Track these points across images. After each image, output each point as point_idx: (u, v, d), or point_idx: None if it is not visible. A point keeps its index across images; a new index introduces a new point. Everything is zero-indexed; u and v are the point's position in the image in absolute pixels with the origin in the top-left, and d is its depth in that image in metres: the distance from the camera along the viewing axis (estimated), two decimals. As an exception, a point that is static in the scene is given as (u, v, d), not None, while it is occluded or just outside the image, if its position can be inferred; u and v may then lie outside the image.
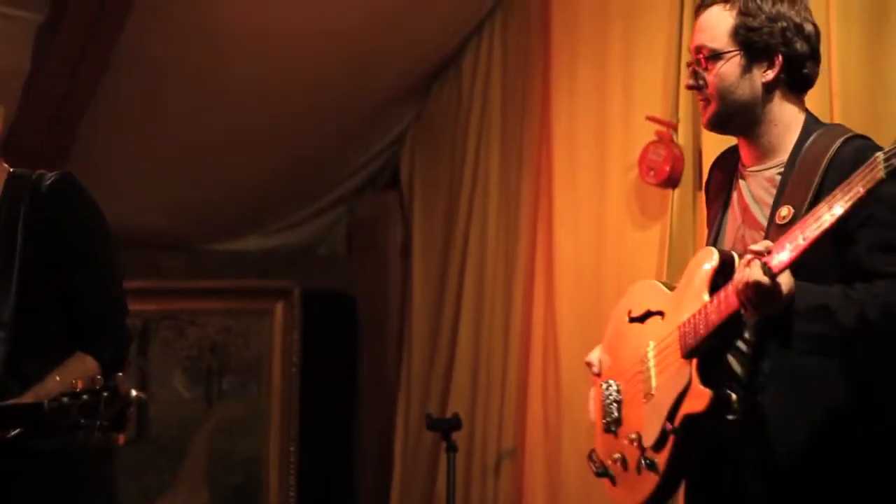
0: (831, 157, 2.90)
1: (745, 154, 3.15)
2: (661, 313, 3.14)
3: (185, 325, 6.34)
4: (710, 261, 2.99)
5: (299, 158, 6.27)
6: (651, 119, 4.94)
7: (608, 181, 5.31)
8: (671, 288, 3.20)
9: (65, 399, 2.91)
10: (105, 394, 2.92)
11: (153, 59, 5.40)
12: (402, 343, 6.40)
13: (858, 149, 2.88)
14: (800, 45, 3.04)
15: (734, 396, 2.89)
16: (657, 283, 3.30)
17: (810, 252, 2.72)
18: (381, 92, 6.20)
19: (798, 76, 3.07)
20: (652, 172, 4.95)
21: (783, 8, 3.04)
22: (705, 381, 2.91)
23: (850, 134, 2.99)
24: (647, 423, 3.08)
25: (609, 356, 3.36)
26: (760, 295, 2.74)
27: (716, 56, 3.04)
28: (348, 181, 6.68)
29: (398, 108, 6.40)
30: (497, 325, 5.85)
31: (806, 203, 2.88)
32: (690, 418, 2.94)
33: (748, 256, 2.79)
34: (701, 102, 3.13)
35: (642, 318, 3.21)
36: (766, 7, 3.03)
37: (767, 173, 3.08)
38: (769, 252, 2.75)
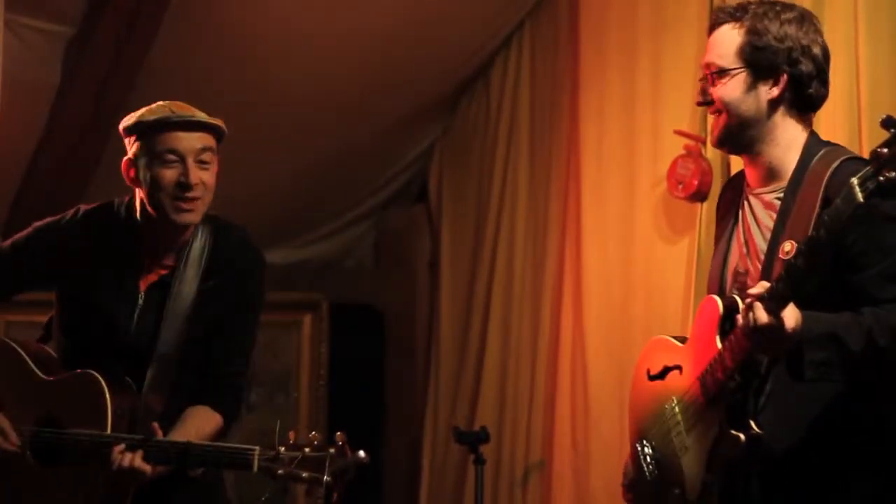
0: (826, 185, 2.92)
1: (749, 174, 3.17)
2: (678, 367, 3.16)
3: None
4: (715, 310, 3.03)
5: (327, 171, 6.29)
6: (679, 133, 4.93)
7: (636, 195, 5.30)
8: (682, 341, 3.23)
9: (282, 450, 3.14)
10: (332, 451, 3.14)
11: (180, 73, 5.43)
12: (429, 356, 6.40)
13: (849, 174, 2.89)
14: (805, 66, 3.06)
15: (763, 434, 2.90)
16: (668, 337, 3.31)
17: (811, 281, 2.74)
18: (409, 105, 6.21)
19: (803, 96, 3.09)
20: (680, 186, 4.94)
21: (790, 29, 3.06)
22: (734, 424, 2.93)
23: (845, 157, 3.00)
24: (688, 476, 3.08)
25: (635, 417, 3.37)
26: (768, 336, 2.77)
27: (722, 73, 3.08)
28: (376, 194, 6.70)
29: (426, 121, 6.41)
30: (525, 338, 5.84)
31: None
32: (729, 464, 2.96)
33: (748, 301, 2.81)
34: (712, 117, 3.16)
35: (662, 375, 3.23)
36: (774, 28, 3.05)
37: (767, 196, 3.09)
38: (768, 293, 2.76)
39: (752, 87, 3.06)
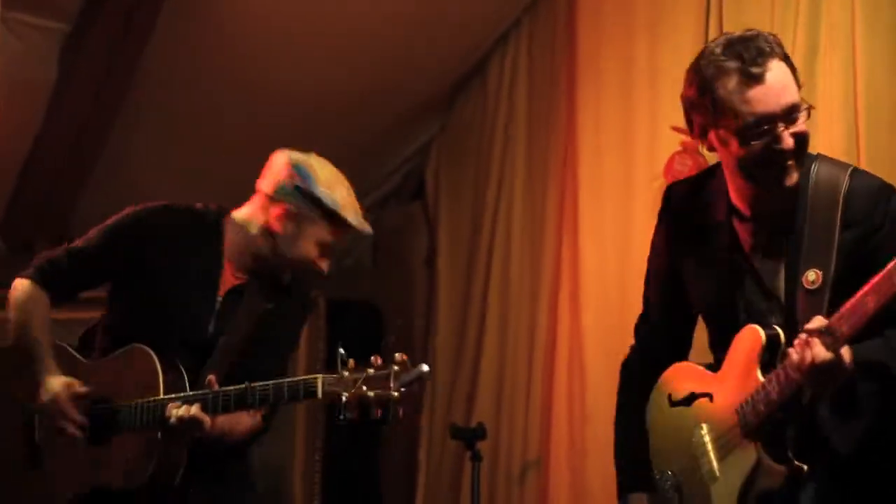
0: (845, 206, 2.86)
1: (753, 204, 3.03)
2: (708, 395, 3.09)
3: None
4: (757, 340, 2.95)
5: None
6: (677, 129, 4.93)
7: (634, 191, 5.31)
8: (709, 367, 3.14)
9: (345, 374, 3.20)
10: (395, 367, 3.18)
11: (180, 67, 5.42)
12: (426, 353, 6.40)
13: (872, 191, 2.82)
14: None
15: (805, 468, 2.87)
16: (695, 364, 3.23)
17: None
18: (406, 102, 6.21)
19: None
20: (677, 183, 4.94)
21: None
22: (775, 457, 2.90)
23: (849, 170, 2.95)
24: None
25: (652, 441, 3.28)
26: (827, 373, 2.73)
27: (799, 108, 2.92)
28: (373, 192, 6.69)
29: (423, 119, 6.41)
30: (522, 335, 5.84)
31: (832, 264, 2.85)
32: (767, 495, 2.92)
33: (803, 336, 2.76)
34: (788, 163, 2.92)
35: (688, 402, 3.15)
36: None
37: (778, 220, 3.00)
38: (827, 329, 2.71)
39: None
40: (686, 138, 4.95)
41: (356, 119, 6.08)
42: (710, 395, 3.08)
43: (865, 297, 2.67)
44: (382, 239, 6.86)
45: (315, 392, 3.23)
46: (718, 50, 2.96)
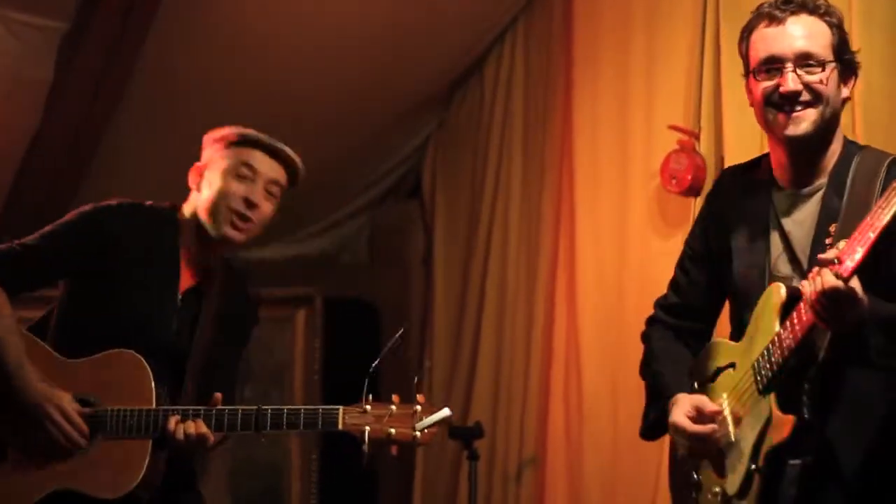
0: (880, 191, 2.88)
1: (790, 172, 3.09)
2: (732, 365, 3.09)
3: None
4: (777, 296, 2.96)
5: (321, 167, 6.25)
6: (673, 128, 4.94)
7: (630, 190, 5.31)
8: (734, 339, 3.15)
9: (368, 408, 3.30)
10: (418, 406, 3.26)
11: (176, 68, 5.42)
12: (423, 351, 6.40)
13: None
14: (857, 71, 3.09)
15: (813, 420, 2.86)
16: (719, 339, 3.23)
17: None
18: (402, 100, 6.21)
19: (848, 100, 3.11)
20: (674, 181, 4.95)
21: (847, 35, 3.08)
22: (785, 409, 2.88)
23: (889, 159, 2.99)
24: (729, 471, 3.02)
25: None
26: (838, 301, 2.72)
27: (822, 64, 3.00)
28: (370, 190, 6.70)
29: (420, 117, 6.41)
30: (519, 333, 5.85)
31: None
32: (775, 450, 2.90)
33: (815, 268, 2.77)
34: (796, 112, 3.00)
35: (713, 378, 3.15)
36: (844, 31, 3.06)
37: (814, 198, 3.04)
38: (839, 259, 2.72)
39: (838, 83, 3.03)
40: (682, 137, 4.95)
41: (353, 118, 6.08)
42: (734, 364, 3.08)
43: (864, 229, 2.70)
44: (380, 237, 6.88)
45: (336, 422, 3.26)
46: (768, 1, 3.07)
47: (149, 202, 3.65)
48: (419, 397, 3.26)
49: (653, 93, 5.21)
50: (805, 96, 2.99)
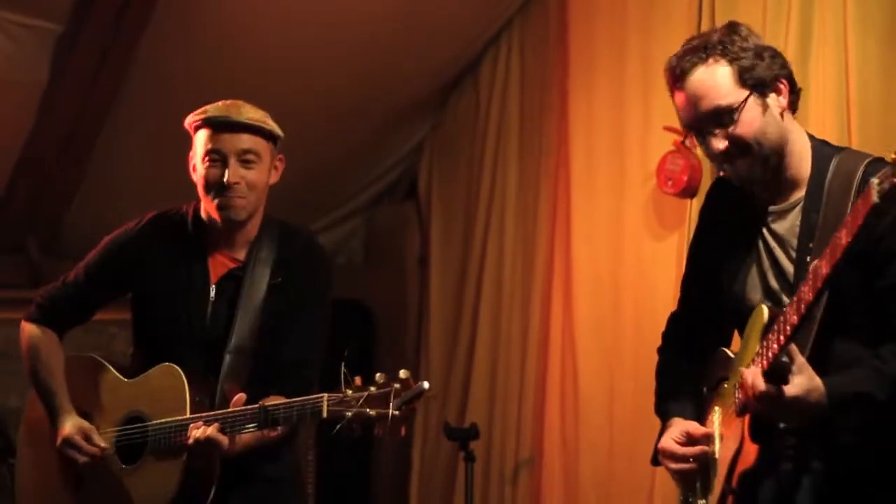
0: (855, 195, 2.81)
1: (767, 193, 3.02)
2: (726, 378, 3.08)
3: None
4: (760, 319, 2.92)
5: (317, 168, 6.28)
6: (669, 129, 4.93)
7: (626, 191, 5.31)
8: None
9: (348, 392, 3.16)
10: (396, 386, 3.14)
11: (169, 69, 5.42)
12: (419, 353, 6.40)
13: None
14: (785, 65, 3.00)
15: (789, 442, 2.86)
16: (726, 350, 3.17)
17: (837, 304, 2.71)
18: (398, 102, 6.20)
19: (795, 94, 3.01)
20: (670, 182, 4.95)
21: (755, 39, 2.98)
22: (756, 435, 2.87)
23: (867, 161, 2.91)
24: (711, 490, 3.02)
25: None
26: (769, 405, 2.72)
27: (733, 110, 2.91)
28: (366, 191, 6.69)
29: (416, 119, 6.41)
30: (515, 334, 5.84)
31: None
32: (744, 475, 2.90)
33: (747, 368, 2.78)
34: (728, 166, 2.96)
35: (716, 387, 3.14)
36: (747, 45, 2.95)
37: (793, 212, 2.99)
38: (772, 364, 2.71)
39: (765, 106, 2.93)
40: (678, 138, 4.95)
41: (349, 120, 6.08)
42: (727, 378, 3.07)
43: (839, 234, 2.62)
44: (375, 238, 6.87)
45: (320, 412, 3.22)
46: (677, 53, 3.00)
47: (171, 209, 3.70)
48: (402, 372, 3.17)
49: (648, 94, 5.20)
50: (733, 150, 2.92)
